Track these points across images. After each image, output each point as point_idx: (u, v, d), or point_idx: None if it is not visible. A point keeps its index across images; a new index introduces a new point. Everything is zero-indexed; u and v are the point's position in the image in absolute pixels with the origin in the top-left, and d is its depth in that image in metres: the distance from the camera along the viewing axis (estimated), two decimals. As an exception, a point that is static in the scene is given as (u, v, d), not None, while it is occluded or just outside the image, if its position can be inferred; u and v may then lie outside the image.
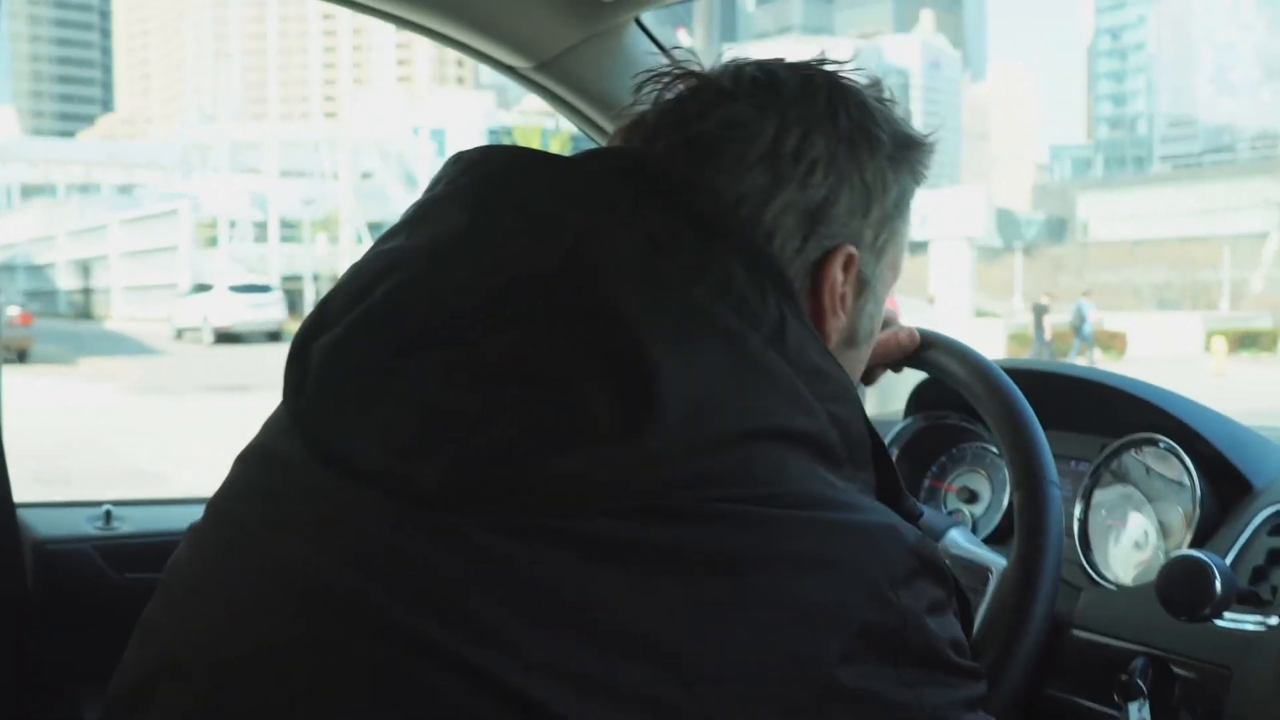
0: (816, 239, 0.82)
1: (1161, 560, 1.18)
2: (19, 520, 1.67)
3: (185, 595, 0.75)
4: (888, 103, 0.89)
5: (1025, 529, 1.04)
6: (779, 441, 0.70)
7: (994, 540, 1.35)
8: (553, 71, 1.52)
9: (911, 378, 1.64)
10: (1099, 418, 1.32)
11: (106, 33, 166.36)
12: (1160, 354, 22.13)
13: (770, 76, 0.85)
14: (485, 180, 0.79)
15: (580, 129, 1.61)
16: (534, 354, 0.68)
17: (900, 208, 0.89)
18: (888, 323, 1.20)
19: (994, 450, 1.41)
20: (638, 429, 0.65)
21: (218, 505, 0.78)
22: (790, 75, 0.85)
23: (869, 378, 1.21)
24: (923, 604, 0.72)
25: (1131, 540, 1.25)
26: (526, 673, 0.61)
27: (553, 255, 0.72)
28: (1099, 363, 19.93)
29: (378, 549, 0.66)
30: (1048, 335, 22.44)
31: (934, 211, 29.39)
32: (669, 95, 0.86)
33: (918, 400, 1.51)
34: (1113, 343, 25.31)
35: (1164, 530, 1.22)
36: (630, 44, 1.53)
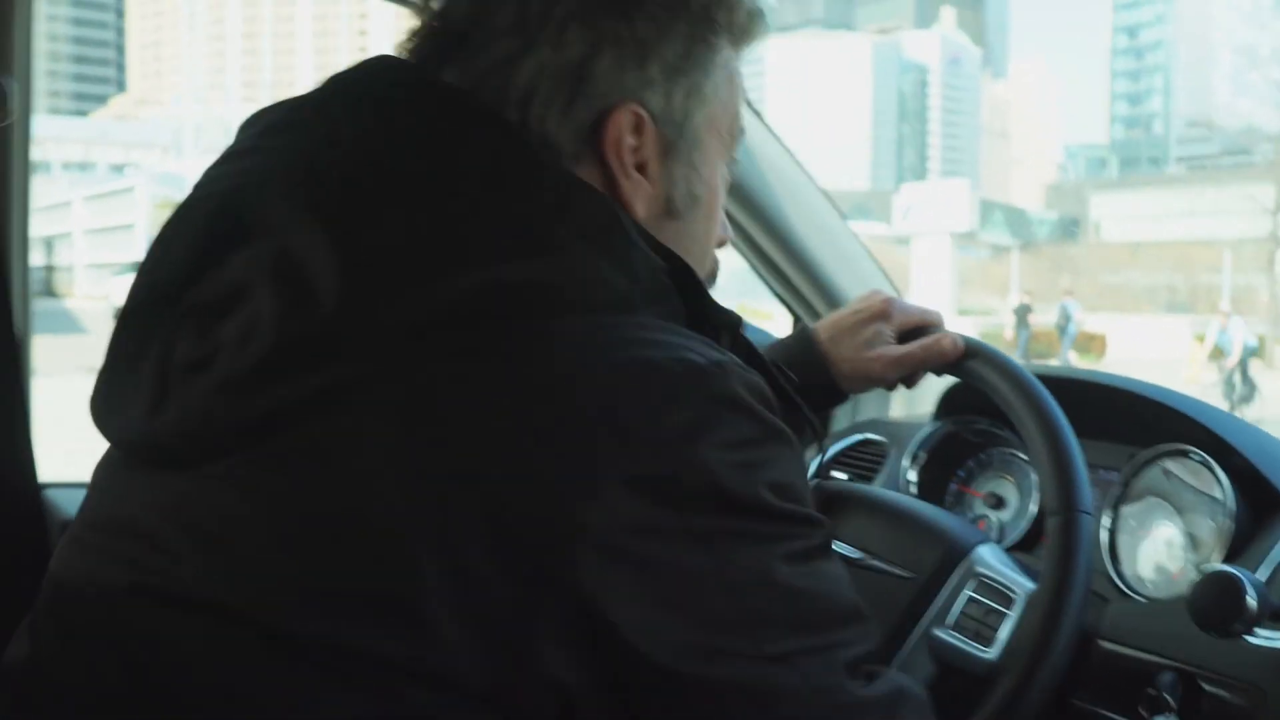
0: (585, 100, 0.79)
1: (1192, 574, 1.17)
2: (45, 499, 1.67)
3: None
4: None
5: (1055, 558, 1.03)
6: (519, 290, 0.71)
7: (1020, 548, 1.34)
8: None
9: (938, 380, 1.64)
10: (1130, 426, 1.30)
11: (120, 12, 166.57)
12: (1141, 357, 21.90)
13: None
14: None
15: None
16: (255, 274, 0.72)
17: (694, 61, 0.84)
18: (930, 328, 1.19)
19: (1022, 457, 1.40)
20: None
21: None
22: None
23: (910, 381, 1.20)
24: (717, 441, 0.70)
25: (1161, 553, 1.23)
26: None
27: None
28: (1075, 364, 19.77)
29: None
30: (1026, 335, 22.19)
31: (916, 205, 29.27)
32: None
33: (947, 403, 1.50)
34: (1091, 345, 25.20)
35: (1195, 543, 1.20)
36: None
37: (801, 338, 1.22)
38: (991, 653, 1.07)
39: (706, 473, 0.68)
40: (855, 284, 1.74)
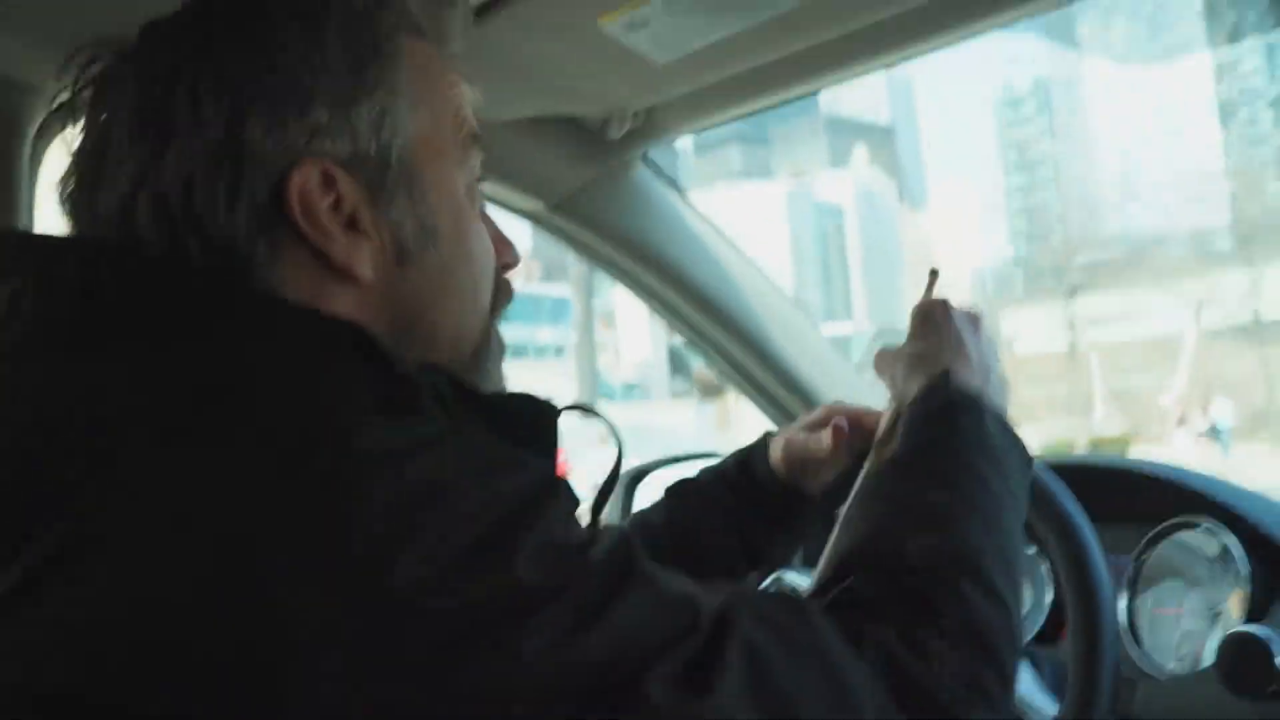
0: (250, 177, 0.66)
1: (1215, 644, 1.17)
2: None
3: None
4: None
5: (1078, 685, 1.01)
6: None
7: (1040, 641, 1.34)
8: (567, 212, 1.55)
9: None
10: (1134, 507, 1.31)
11: None
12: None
13: (149, 32, 0.71)
14: None
15: (599, 267, 1.64)
16: None
17: (369, 82, 0.70)
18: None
19: (1030, 551, 1.41)
20: None
21: None
22: (173, 15, 0.71)
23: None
24: (418, 553, 0.53)
25: (1183, 628, 1.24)
26: None
27: None
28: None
29: None
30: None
31: None
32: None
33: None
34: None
35: (1215, 614, 1.21)
36: (639, 180, 1.57)
37: (758, 441, 1.16)
38: None
39: (411, 598, 0.52)
40: (829, 384, 1.77)
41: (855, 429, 1.08)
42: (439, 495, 0.55)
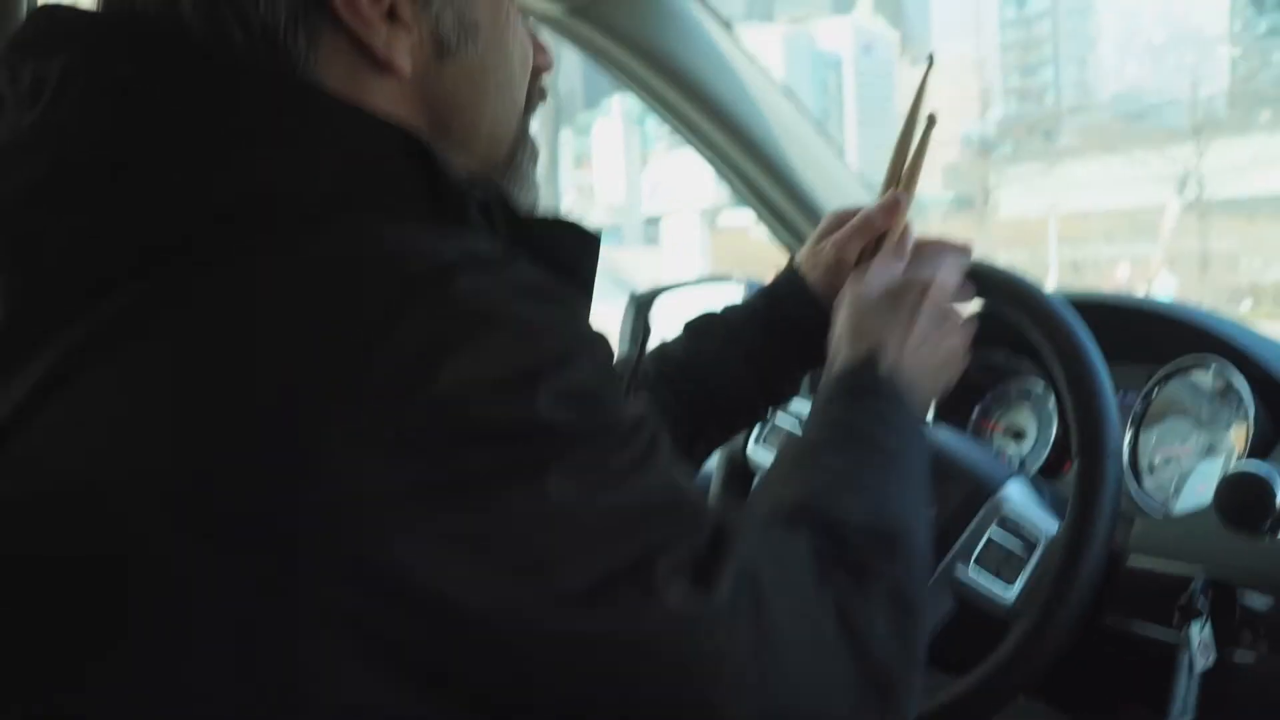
0: None
1: (1216, 482, 1.19)
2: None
3: None
4: None
5: (1078, 501, 1.04)
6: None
7: (1043, 474, 1.36)
8: (586, 17, 1.50)
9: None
10: (1145, 344, 1.32)
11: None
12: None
13: None
14: None
15: (618, 79, 1.60)
16: None
17: None
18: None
19: (1039, 385, 1.42)
20: None
21: None
22: None
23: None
24: (463, 365, 0.54)
25: (1185, 466, 1.25)
26: None
27: None
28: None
29: None
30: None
31: (662, 183, 28.85)
32: None
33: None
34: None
35: (1218, 453, 1.22)
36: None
37: (787, 268, 1.15)
38: (1010, 594, 1.09)
39: (454, 408, 0.53)
40: (833, 195, 1.75)
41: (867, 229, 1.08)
42: (481, 318, 0.56)
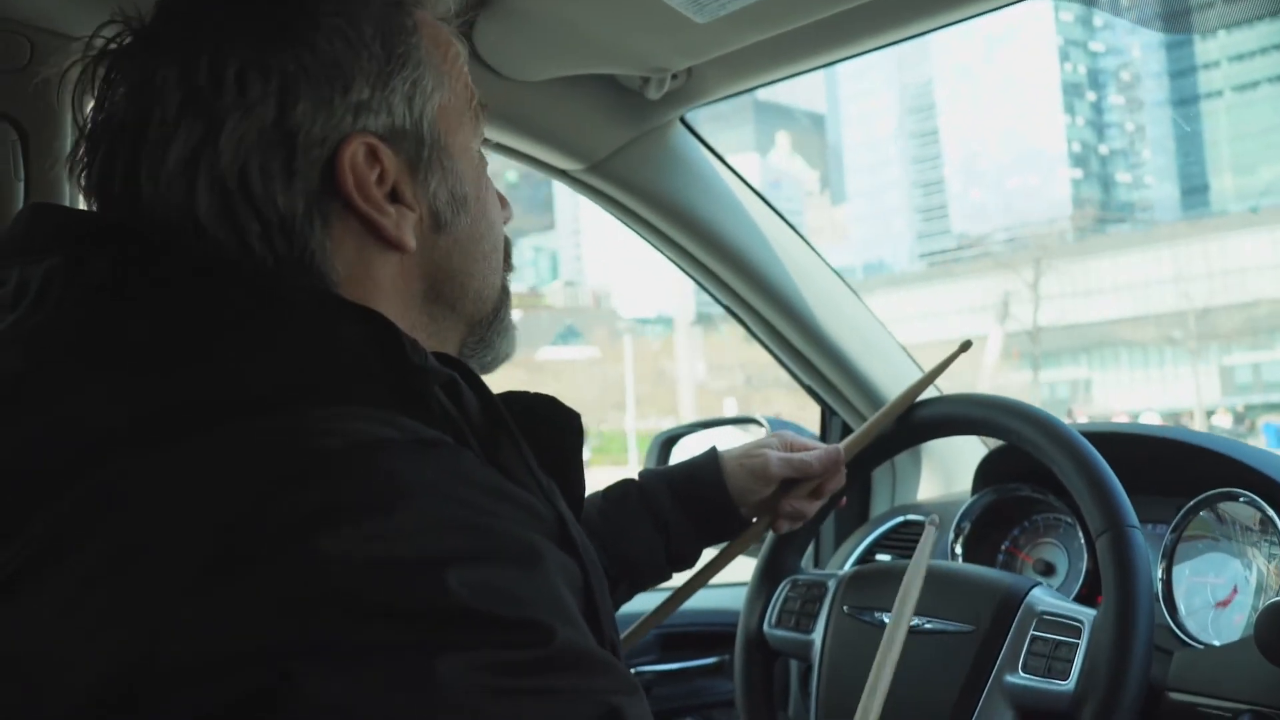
0: (302, 156, 0.67)
1: (1253, 614, 1.18)
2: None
3: None
4: None
5: (1113, 573, 1.05)
6: None
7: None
8: (603, 173, 1.55)
9: (973, 455, 1.66)
10: (1172, 477, 1.31)
11: None
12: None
13: (164, 9, 0.70)
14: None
15: (631, 228, 1.63)
16: None
17: (400, 57, 0.72)
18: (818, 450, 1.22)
19: (1068, 520, 1.41)
20: None
21: None
22: None
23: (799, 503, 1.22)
24: (355, 532, 0.51)
25: (1219, 598, 1.23)
26: None
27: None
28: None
29: None
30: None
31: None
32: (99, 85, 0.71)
33: (985, 474, 1.51)
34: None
35: (1253, 584, 1.21)
36: (676, 142, 1.56)
37: (710, 452, 1.23)
38: (1068, 684, 1.07)
39: (340, 576, 0.50)
40: (866, 353, 1.78)
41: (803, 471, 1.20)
42: (393, 495, 0.54)
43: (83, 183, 0.71)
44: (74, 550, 0.52)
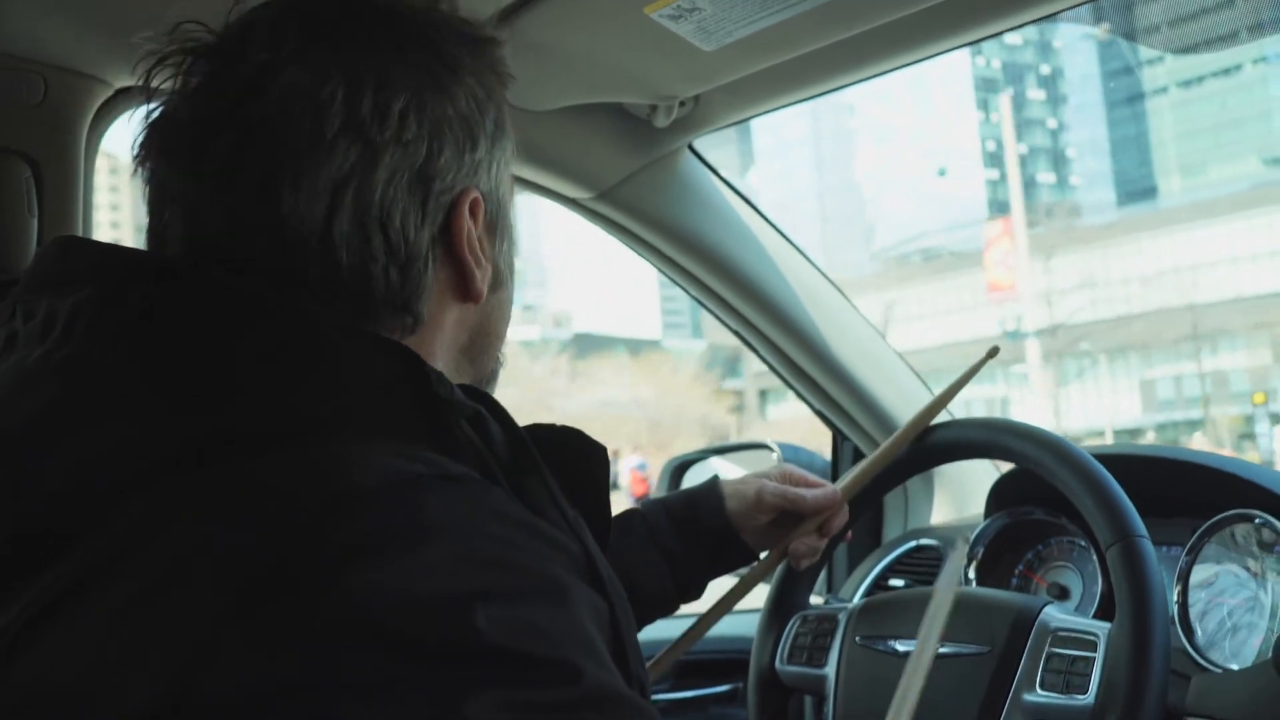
0: (435, 198, 0.71)
1: (1270, 636, 1.17)
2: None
3: None
4: (433, 6, 0.75)
5: (1126, 582, 1.05)
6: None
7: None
8: (611, 200, 1.56)
9: (985, 479, 1.66)
10: (1186, 499, 1.30)
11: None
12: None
13: (309, 22, 0.70)
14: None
15: (640, 255, 1.64)
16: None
17: (500, 122, 0.77)
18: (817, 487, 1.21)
19: (1081, 543, 1.41)
20: None
21: None
22: (329, 11, 0.72)
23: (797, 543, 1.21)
24: (388, 569, 0.52)
25: (1237, 621, 1.22)
26: None
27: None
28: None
29: None
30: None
31: None
32: (194, 81, 0.70)
33: (997, 499, 1.51)
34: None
35: (1269, 607, 1.20)
36: (685, 169, 1.57)
37: (711, 482, 1.23)
38: (1088, 698, 1.06)
39: (369, 612, 0.50)
40: (878, 379, 1.78)
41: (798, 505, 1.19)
42: (425, 531, 0.54)
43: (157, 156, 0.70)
44: (112, 578, 0.53)
